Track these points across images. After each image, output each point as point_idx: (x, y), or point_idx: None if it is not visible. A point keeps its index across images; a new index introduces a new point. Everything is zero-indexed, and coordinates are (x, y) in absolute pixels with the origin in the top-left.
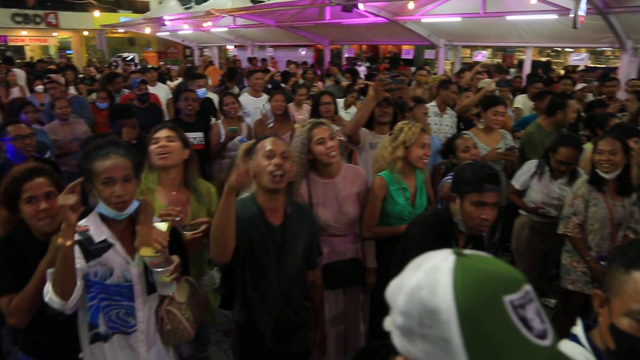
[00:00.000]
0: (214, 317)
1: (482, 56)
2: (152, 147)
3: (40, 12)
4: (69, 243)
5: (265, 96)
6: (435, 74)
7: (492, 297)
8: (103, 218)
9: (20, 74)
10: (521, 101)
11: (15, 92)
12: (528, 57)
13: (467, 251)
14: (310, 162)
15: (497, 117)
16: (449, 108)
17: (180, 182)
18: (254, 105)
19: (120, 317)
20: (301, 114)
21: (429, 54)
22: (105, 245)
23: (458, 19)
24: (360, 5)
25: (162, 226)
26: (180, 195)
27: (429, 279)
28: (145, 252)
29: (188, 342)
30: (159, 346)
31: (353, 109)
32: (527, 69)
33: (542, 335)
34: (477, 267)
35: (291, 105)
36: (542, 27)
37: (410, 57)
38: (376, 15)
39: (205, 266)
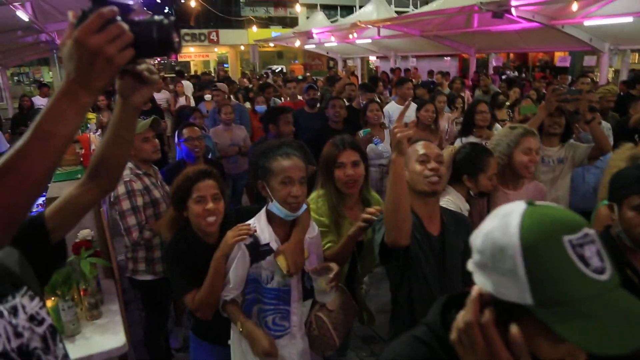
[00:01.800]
0: (371, 317)
1: None
2: (338, 172)
3: (205, 31)
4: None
5: (413, 105)
6: (597, 82)
7: (552, 235)
8: (269, 218)
9: (187, 85)
10: None
11: (181, 101)
12: None
13: (540, 202)
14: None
15: None
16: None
17: (358, 199)
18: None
19: (277, 322)
20: (441, 121)
21: (588, 61)
22: (270, 249)
23: (629, 19)
24: (513, 11)
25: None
26: (357, 212)
27: (501, 222)
28: (281, 261)
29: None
30: (305, 348)
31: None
32: None
33: (599, 271)
34: (543, 212)
35: None
36: None
37: (566, 64)
38: (529, 21)
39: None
